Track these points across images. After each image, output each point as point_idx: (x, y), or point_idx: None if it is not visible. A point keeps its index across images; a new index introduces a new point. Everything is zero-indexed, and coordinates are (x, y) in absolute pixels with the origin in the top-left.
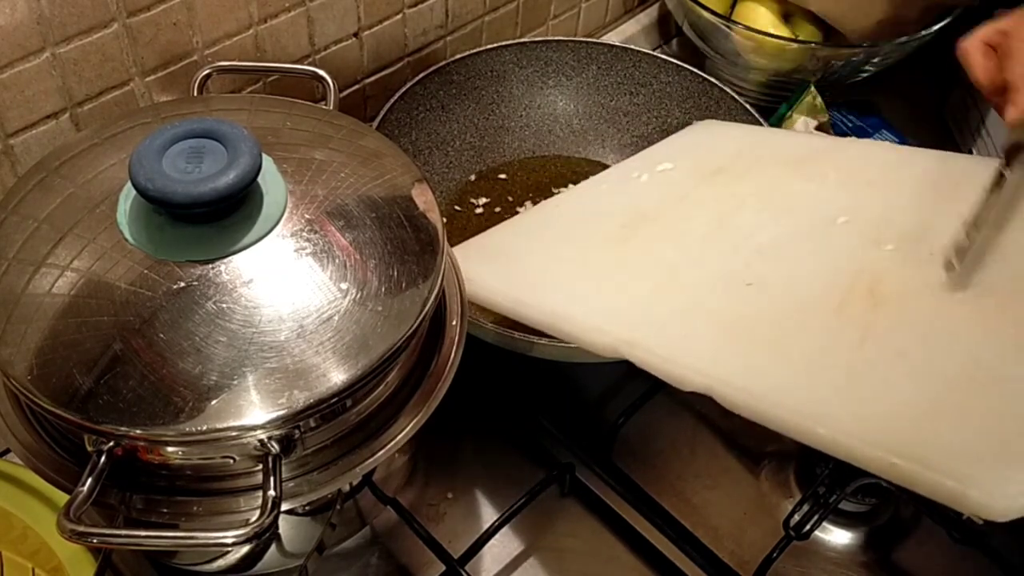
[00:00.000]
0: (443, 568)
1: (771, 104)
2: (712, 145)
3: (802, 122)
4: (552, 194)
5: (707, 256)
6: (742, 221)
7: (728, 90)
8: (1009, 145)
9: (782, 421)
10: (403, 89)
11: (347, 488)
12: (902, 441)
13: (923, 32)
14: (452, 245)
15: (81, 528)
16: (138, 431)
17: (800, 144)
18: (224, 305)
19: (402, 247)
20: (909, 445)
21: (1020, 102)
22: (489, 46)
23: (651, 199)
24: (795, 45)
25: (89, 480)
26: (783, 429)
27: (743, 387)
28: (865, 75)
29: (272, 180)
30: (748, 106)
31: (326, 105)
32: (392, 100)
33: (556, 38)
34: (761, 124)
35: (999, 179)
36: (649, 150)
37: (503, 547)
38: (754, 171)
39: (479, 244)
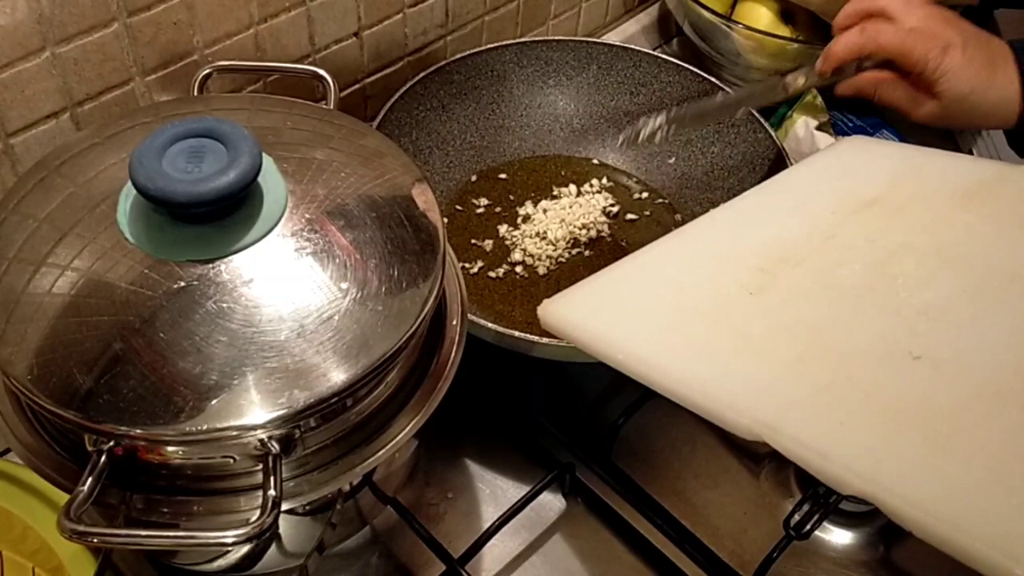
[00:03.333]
0: (443, 568)
1: (771, 104)
2: (862, 169)
3: (802, 122)
4: (553, 194)
5: (862, 316)
6: (902, 271)
7: (728, 90)
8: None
9: (965, 551)
10: (403, 89)
11: (347, 488)
12: None
13: None
14: (452, 245)
15: (81, 528)
16: (138, 431)
17: (966, 171)
18: (224, 305)
19: (402, 247)
20: None
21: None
22: (490, 46)
23: (791, 236)
24: (795, 45)
25: (89, 480)
26: (970, 562)
27: (913, 499)
28: None
29: (272, 180)
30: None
31: (326, 105)
32: (392, 100)
33: (557, 38)
34: (763, 124)
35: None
36: (787, 172)
37: (503, 547)
38: (913, 205)
39: (594, 288)
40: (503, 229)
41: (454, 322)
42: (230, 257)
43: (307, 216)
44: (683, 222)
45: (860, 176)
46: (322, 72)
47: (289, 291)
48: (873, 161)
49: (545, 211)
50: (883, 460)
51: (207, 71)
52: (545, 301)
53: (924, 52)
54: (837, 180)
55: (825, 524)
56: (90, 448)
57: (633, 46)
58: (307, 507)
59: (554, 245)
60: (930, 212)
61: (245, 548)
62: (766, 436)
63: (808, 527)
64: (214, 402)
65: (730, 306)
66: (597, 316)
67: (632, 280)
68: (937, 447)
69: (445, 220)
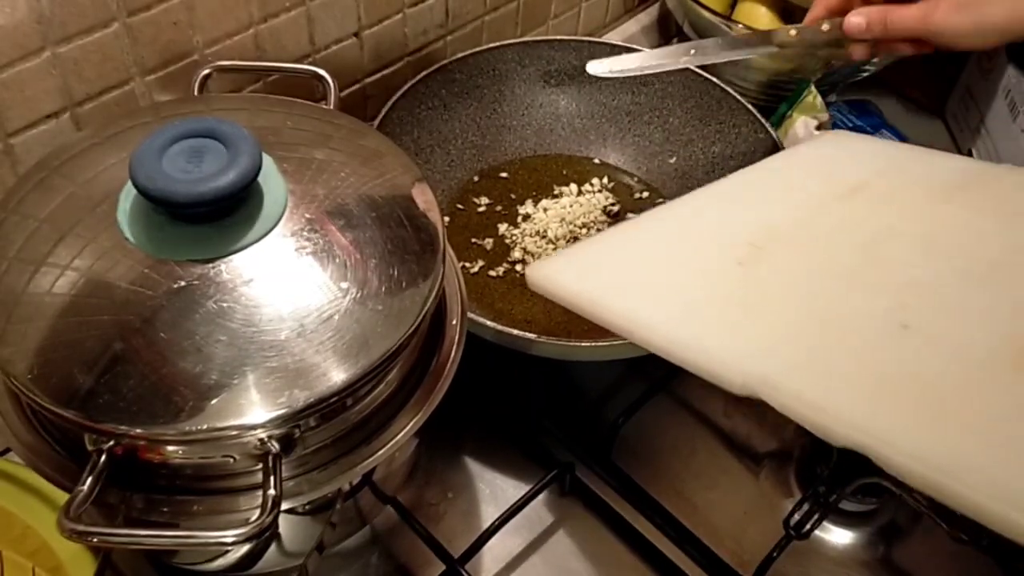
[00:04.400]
0: (443, 568)
1: (771, 104)
2: (847, 159)
3: (802, 122)
4: (554, 193)
5: (852, 289)
6: (890, 252)
7: (729, 90)
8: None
9: (961, 497)
10: (404, 88)
11: (347, 487)
12: None
13: None
14: (453, 244)
15: (81, 527)
16: (138, 430)
17: (949, 168)
18: (224, 304)
19: (402, 246)
20: None
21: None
22: (491, 45)
23: (781, 215)
24: None
25: (89, 479)
26: (967, 509)
27: (910, 451)
28: (865, 75)
29: (272, 179)
30: (749, 106)
31: (326, 105)
32: (393, 99)
33: (558, 37)
34: (764, 124)
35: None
36: (771, 159)
37: (503, 547)
38: (899, 194)
39: (584, 251)
40: (503, 228)
41: (454, 321)
42: (230, 257)
43: (307, 216)
44: None
45: (843, 166)
46: (322, 72)
47: (289, 291)
48: (855, 153)
49: (546, 210)
50: (875, 414)
51: (207, 71)
52: (533, 263)
53: None
54: (820, 168)
55: (825, 524)
56: (90, 448)
57: (634, 46)
58: (307, 507)
59: (554, 244)
60: (915, 201)
61: (245, 548)
62: (762, 393)
63: (808, 527)
64: (214, 402)
65: (720, 275)
66: (586, 278)
67: (621, 247)
68: (924, 405)
69: (446, 219)
